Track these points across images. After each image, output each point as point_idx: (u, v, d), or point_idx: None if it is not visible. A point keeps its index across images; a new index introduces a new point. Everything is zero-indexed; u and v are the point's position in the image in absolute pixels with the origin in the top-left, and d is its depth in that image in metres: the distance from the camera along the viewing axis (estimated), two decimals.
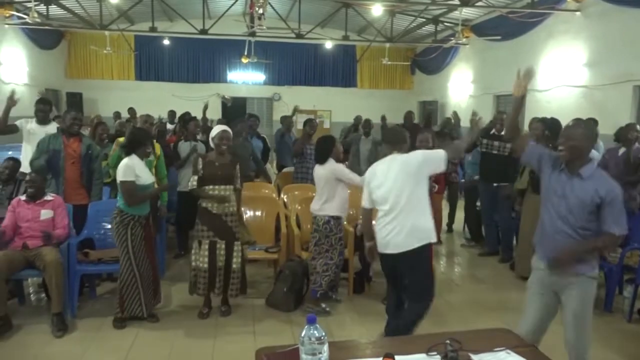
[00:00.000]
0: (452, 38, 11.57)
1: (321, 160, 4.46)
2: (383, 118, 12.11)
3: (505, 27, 10.15)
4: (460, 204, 7.42)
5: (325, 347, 1.78)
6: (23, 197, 4.16)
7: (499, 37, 10.57)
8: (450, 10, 11.09)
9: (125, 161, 3.91)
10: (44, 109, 5.39)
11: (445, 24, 12.53)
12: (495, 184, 5.93)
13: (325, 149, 4.46)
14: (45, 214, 4.13)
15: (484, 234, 6.52)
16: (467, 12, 11.06)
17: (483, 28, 11.38)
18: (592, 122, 6.05)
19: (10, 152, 7.48)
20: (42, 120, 5.39)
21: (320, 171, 4.44)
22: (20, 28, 11.36)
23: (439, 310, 4.53)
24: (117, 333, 3.96)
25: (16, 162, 4.76)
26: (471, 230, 6.94)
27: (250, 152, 6.33)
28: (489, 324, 4.08)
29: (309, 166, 6.27)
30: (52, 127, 5.36)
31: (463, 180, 7.34)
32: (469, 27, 11.76)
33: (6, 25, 10.88)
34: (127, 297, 3.98)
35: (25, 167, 4.90)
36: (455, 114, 8.07)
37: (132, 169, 3.86)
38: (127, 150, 3.98)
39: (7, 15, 10.58)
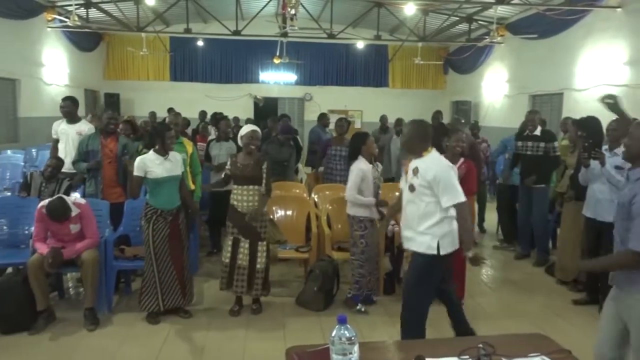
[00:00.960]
0: (487, 37, 11.35)
1: (352, 157, 4.46)
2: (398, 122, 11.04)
3: (542, 25, 9.90)
4: (491, 204, 7.31)
5: (356, 348, 1.77)
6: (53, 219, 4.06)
7: (535, 36, 10.32)
8: (485, 9, 10.88)
9: (139, 157, 4.11)
10: (66, 105, 5.51)
11: (480, 22, 12.30)
12: (531, 186, 5.84)
13: (355, 147, 4.46)
14: (74, 228, 4.12)
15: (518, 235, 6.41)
16: (502, 10, 10.84)
17: (519, 26, 11.12)
18: None
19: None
20: (70, 118, 5.53)
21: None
22: (62, 31, 11.74)
23: (471, 313, 4.45)
24: (150, 328, 4.05)
25: (60, 161, 4.94)
26: (504, 231, 6.82)
27: (288, 156, 6.35)
28: (523, 329, 3.99)
29: (332, 167, 6.29)
30: (81, 125, 5.55)
31: (488, 182, 7.24)
32: (504, 25, 11.52)
33: (48, 29, 11.27)
34: (145, 291, 4.07)
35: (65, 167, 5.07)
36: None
37: (142, 164, 4.01)
38: (147, 145, 4.23)
39: (50, 18, 10.95)
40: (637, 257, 2.26)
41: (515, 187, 6.32)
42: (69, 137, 5.46)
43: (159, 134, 4.12)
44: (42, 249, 3.98)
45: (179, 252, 4.16)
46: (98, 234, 4.26)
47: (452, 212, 3.14)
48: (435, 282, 3.32)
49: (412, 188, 3.24)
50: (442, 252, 3.16)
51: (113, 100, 14.44)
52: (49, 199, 4.06)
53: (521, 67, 11.67)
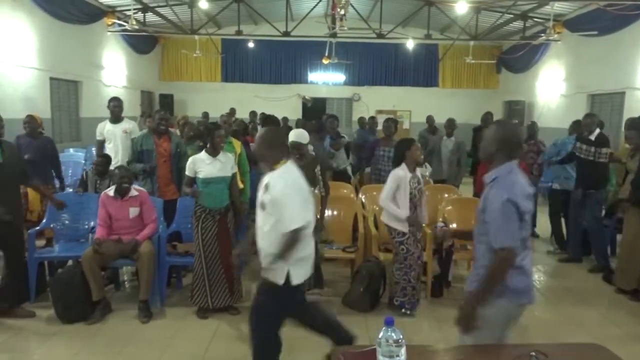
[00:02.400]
0: (542, 34, 10.96)
1: (395, 163, 4.38)
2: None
3: (602, 21, 9.45)
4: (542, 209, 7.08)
5: (403, 351, 1.76)
6: (111, 193, 4.40)
7: (595, 32, 9.86)
8: (541, 5, 10.50)
9: (191, 157, 4.23)
10: (118, 105, 5.85)
11: (535, 19, 11.89)
12: (584, 190, 5.73)
13: (399, 153, 4.38)
14: (133, 211, 4.37)
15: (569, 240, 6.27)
16: (559, 7, 10.43)
17: (577, 23, 10.67)
18: None
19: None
20: (116, 118, 5.83)
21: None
22: (120, 34, 12.26)
23: (523, 320, 4.32)
24: (200, 323, 4.17)
25: (106, 157, 5.26)
26: (558, 237, 6.60)
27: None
28: (578, 339, 3.84)
29: (381, 168, 6.25)
30: (125, 124, 5.85)
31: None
32: (561, 22, 11.08)
33: (108, 33, 11.79)
34: (196, 287, 4.18)
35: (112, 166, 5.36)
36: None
37: (192, 164, 4.14)
38: (201, 146, 4.38)
39: (110, 23, 11.46)
40: (504, 253, 2.12)
41: (567, 192, 6.15)
42: (116, 136, 5.80)
43: (209, 133, 4.22)
44: (100, 232, 4.25)
45: (227, 251, 4.20)
46: (157, 222, 4.45)
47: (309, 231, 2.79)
48: (286, 315, 2.99)
49: (262, 206, 2.84)
50: (294, 282, 2.81)
51: (167, 101, 14.94)
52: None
53: (579, 66, 11.19)
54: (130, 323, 4.12)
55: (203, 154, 4.21)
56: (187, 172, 4.18)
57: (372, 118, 8.67)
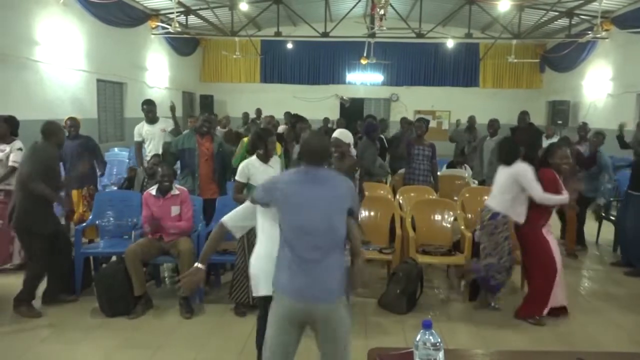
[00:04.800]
0: (589, 32, 10.58)
1: (507, 161, 4.29)
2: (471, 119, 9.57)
3: None
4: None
5: (441, 355, 1.74)
6: (153, 192, 4.52)
7: None
8: (588, 2, 10.16)
9: (243, 162, 4.21)
10: (150, 109, 6.09)
11: (581, 16, 11.49)
12: (629, 192, 5.65)
13: (513, 151, 4.32)
14: (175, 210, 4.48)
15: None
16: (607, 3, 10.05)
17: (626, 19, 10.24)
18: None
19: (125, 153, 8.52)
20: (151, 119, 6.07)
21: (503, 171, 4.30)
22: (164, 37, 12.60)
23: (566, 327, 4.20)
24: (238, 320, 4.22)
25: (159, 157, 5.35)
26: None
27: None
28: (623, 348, 3.69)
29: (415, 167, 6.18)
30: (162, 124, 6.05)
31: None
32: (609, 19, 10.67)
33: (152, 35, 12.13)
34: (236, 284, 4.23)
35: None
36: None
37: (246, 170, 4.12)
38: (250, 150, 4.28)
39: (154, 26, 11.80)
40: None
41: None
42: (155, 136, 6.03)
43: (262, 139, 4.18)
44: (146, 227, 4.43)
45: None
46: (192, 221, 4.54)
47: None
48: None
49: None
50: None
51: (207, 102, 15.24)
52: None
53: (628, 64, 10.74)
54: (170, 318, 4.22)
55: (255, 160, 4.19)
56: (239, 178, 4.15)
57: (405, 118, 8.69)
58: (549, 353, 2.05)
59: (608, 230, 6.63)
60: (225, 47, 14.96)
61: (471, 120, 9.14)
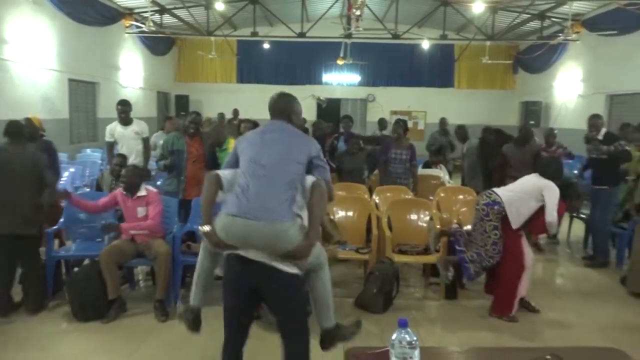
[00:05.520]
0: (560, 34, 10.82)
1: (546, 176, 4.30)
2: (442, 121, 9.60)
3: (622, 21, 9.29)
4: None
5: (417, 352, 1.75)
6: (123, 191, 4.46)
7: (614, 32, 9.71)
8: (559, 5, 10.38)
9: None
10: (124, 110, 5.97)
11: (553, 19, 11.74)
12: (596, 187, 5.81)
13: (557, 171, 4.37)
14: (141, 211, 4.42)
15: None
16: (578, 6, 10.29)
17: (596, 22, 10.51)
18: None
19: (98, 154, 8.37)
20: (125, 120, 5.95)
21: (534, 178, 4.33)
22: (138, 36, 12.40)
23: (539, 324, 4.28)
24: (215, 323, 4.17)
25: (124, 158, 5.29)
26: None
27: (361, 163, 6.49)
28: (595, 342, 3.78)
29: (391, 170, 6.25)
30: (135, 126, 5.97)
31: None
32: (579, 21, 10.92)
33: (126, 34, 11.93)
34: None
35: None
36: None
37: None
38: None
39: (127, 25, 11.60)
40: None
41: None
42: (127, 138, 5.95)
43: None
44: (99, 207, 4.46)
45: None
46: (159, 220, 4.40)
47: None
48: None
49: None
50: None
51: (183, 102, 15.08)
52: None
53: (598, 66, 11.03)
54: (145, 322, 4.15)
55: None
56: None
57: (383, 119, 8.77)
58: (522, 349, 2.09)
59: (579, 228, 6.78)
60: (201, 47, 14.81)
61: (442, 122, 9.26)
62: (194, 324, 2.91)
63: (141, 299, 4.63)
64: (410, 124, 13.22)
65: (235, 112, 12.05)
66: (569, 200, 4.28)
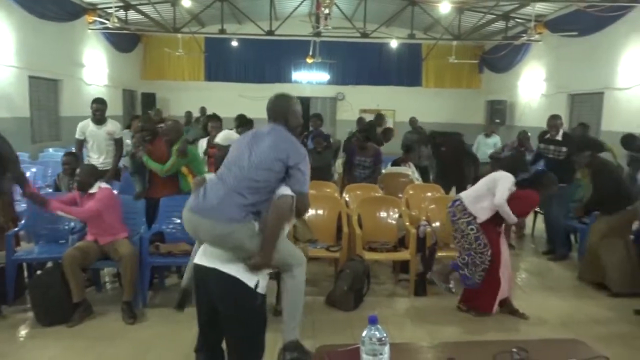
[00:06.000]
0: (524, 35, 11.11)
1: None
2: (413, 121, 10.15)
3: (582, 22, 9.61)
4: None
5: (387, 349, 1.76)
6: (77, 189, 4.33)
7: (575, 33, 10.02)
8: (522, 6, 10.64)
9: None
10: (99, 108, 5.75)
11: (517, 20, 12.04)
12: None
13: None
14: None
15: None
16: (540, 7, 10.57)
17: (558, 23, 10.83)
18: None
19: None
20: (99, 120, 5.77)
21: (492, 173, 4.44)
22: (102, 32, 12.10)
23: (506, 317, 4.38)
24: (184, 324, 4.12)
25: (73, 156, 5.15)
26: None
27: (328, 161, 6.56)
28: (557, 334, 3.89)
29: (356, 175, 6.40)
30: (109, 126, 5.81)
31: None
32: (542, 22, 11.23)
33: (89, 30, 11.63)
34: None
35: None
36: None
37: None
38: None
39: (91, 21, 11.31)
40: None
41: None
42: (99, 137, 5.76)
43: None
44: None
45: None
46: (92, 212, 4.16)
47: None
48: None
49: None
50: None
51: (149, 100, 14.81)
52: None
53: (560, 66, 11.37)
54: (112, 325, 4.06)
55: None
56: None
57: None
58: (489, 342, 2.14)
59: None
60: (168, 44, 14.56)
61: (412, 121, 9.39)
62: (179, 303, 2.96)
63: (108, 301, 4.52)
64: None
65: (203, 111, 11.91)
66: (543, 188, 4.36)
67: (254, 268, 2.43)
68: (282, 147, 2.51)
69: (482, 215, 4.26)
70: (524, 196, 4.26)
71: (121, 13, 11.55)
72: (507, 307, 4.47)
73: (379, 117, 8.89)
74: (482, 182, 4.39)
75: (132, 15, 12.27)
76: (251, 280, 2.44)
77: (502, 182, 4.23)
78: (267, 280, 2.57)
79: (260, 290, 2.48)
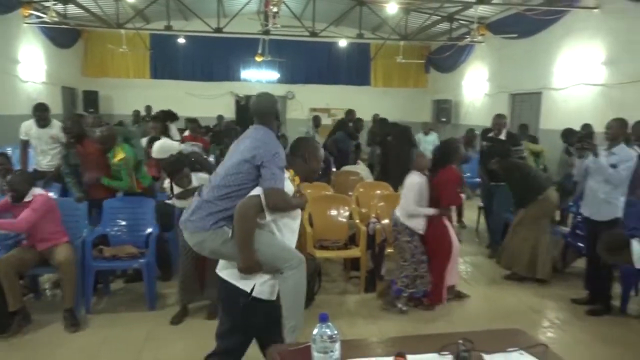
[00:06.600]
0: (468, 36, 11.46)
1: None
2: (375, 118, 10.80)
3: (521, 25, 10.02)
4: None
5: (337, 346, 1.77)
6: (10, 198, 4.07)
7: (515, 35, 10.45)
8: (466, 8, 10.98)
9: None
10: (42, 116, 5.56)
11: (461, 21, 12.40)
12: (493, 184, 6.18)
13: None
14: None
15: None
16: (482, 10, 10.94)
17: (499, 26, 11.25)
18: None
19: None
20: (43, 125, 5.56)
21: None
22: (39, 27, 11.50)
23: (452, 310, 4.51)
24: (130, 329, 4.00)
25: (5, 157, 4.90)
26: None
27: None
28: (500, 325, 4.04)
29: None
30: (53, 129, 5.60)
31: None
32: (484, 24, 11.63)
33: (25, 25, 11.03)
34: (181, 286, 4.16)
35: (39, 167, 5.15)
36: None
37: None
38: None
39: (26, 14, 10.72)
40: None
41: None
42: (41, 141, 5.56)
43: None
44: None
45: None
46: (28, 223, 3.94)
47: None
48: None
49: None
50: None
51: (92, 98, 14.23)
52: None
53: (501, 66, 11.81)
54: (53, 334, 3.88)
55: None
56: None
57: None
58: (438, 335, 2.19)
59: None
60: (111, 40, 14.02)
61: (376, 119, 9.56)
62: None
63: (49, 309, 4.32)
64: (329, 121, 13.39)
65: (148, 109, 11.58)
66: (451, 157, 4.48)
67: (241, 272, 2.48)
68: (249, 148, 2.53)
69: (420, 226, 4.41)
70: (443, 178, 4.42)
71: (59, 7, 11.01)
72: (452, 292, 4.69)
73: (350, 112, 8.98)
74: (403, 194, 4.51)
75: (72, 9, 11.72)
76: (247, 285, 2.49)
77: (407, 190, 4.42)
78: (271, 284, 2.55)
79: (258, 294, 2.50)
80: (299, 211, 2.77)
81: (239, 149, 2.58)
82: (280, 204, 2.53)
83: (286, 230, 2.67)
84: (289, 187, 2.61)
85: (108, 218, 4.67)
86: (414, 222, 4.40)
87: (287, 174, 2.63)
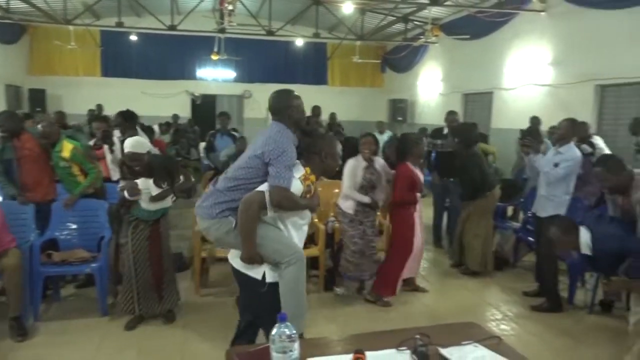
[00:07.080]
0: (422, 36, 11.69)
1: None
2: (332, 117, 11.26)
3: (473, 27, 10.31)
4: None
5: (296, 345, 1.77)
6: None
7: (467, 36, 10.73)
8: (420, 9, 11.20)
9: None
10: None
11: (415, 22, 12.64)
12: (448, 179, 6.32)
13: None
14: None
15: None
16: (436, 11, 11.19)
17: (452, 27, 11.53)
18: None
19: None
20: None
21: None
22: None
23: (411, 306, 4.59)
24: (82, 336, 3.86)
25: None
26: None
27: None
28: (456, 319, 4.14)
29: None
30: None
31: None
32: (438, 25, 11.90)
33: None
34: (123, 294, 4.00)
35: None
36: None
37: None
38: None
39: None
40: None
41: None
42: None
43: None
44: None
45: (159, 258, 4.02)
46: None
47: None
48: None
49: None
50: None
51: (39, 97, 13.63)
52: None
53: (454, 67, 12.11)
54: (1, 344, 3.69)
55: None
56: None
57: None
58: (396, 331, 2.22)
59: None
60: (58, 37, 13.46)
61: (333, 118, 9.60)
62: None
63: None
64: None
65: (100, 108, 11.22)
66: (407, 153, 4.55)
67: (243, 261, 2.62)
68: (260, 144, 2.63)
69: (349, 209, 4.53)
70: (397, 173, 4.55)
71: (2, 1, 10.50)
72: (410, 284, 4.86)
73: (316, 108, 8.96)
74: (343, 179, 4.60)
75: (15, 3, 11.20)
76: (257, 273, 2.63)
77: (345, 174, 4.53)
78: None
79: (270, 279, 2.62)
80: (307, 211, 2.82)
81: (255, 144, 2.70)
82: (284, 203, 2.58)
83: (292, 228, 2.72)
84: (297, 187, 2.64)
85: (57, 221, 4.48)
86: (345, 204, 4.55)
87: (298, 174, 2.67)
